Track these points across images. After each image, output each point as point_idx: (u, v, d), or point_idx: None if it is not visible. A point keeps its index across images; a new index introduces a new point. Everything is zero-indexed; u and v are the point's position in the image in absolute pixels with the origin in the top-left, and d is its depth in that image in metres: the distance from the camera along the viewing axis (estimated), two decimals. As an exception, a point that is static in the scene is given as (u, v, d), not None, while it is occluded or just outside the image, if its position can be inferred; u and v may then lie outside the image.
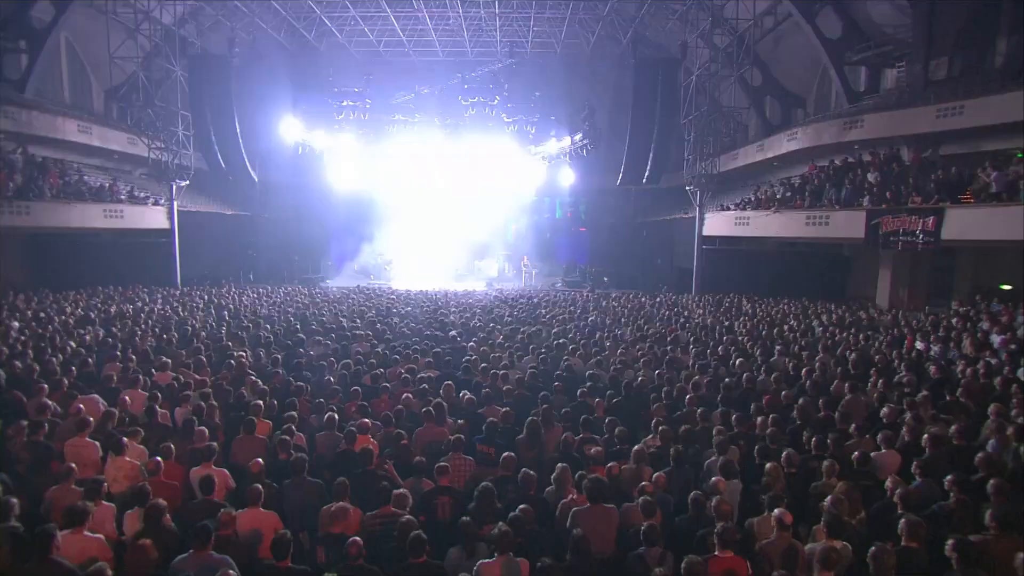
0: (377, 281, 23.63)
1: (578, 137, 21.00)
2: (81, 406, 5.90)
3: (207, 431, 5.46)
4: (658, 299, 17.77)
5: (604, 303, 16.63)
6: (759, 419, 6.34)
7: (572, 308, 15.19)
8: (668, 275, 24.35)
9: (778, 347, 10.22)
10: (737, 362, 9.26)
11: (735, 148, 22.58)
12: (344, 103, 21.36)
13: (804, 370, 8.54)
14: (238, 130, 20.22)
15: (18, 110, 16.68)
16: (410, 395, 7.00)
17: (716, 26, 20.06)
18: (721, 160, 20.73)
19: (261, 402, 6.23)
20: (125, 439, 4.98)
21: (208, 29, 22.67)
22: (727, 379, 8.30)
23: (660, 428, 6.01)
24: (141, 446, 5.23)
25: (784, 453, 5.30)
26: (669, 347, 10.64)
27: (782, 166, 21.44)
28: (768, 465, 5.01)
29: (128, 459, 4.95)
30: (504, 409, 6.52)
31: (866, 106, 17.79)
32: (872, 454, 5.47)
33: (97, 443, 5.22)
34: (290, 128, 21.18)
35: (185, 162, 20.09)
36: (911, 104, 16.01)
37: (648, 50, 22.23)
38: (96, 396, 6.35)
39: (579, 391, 7.54)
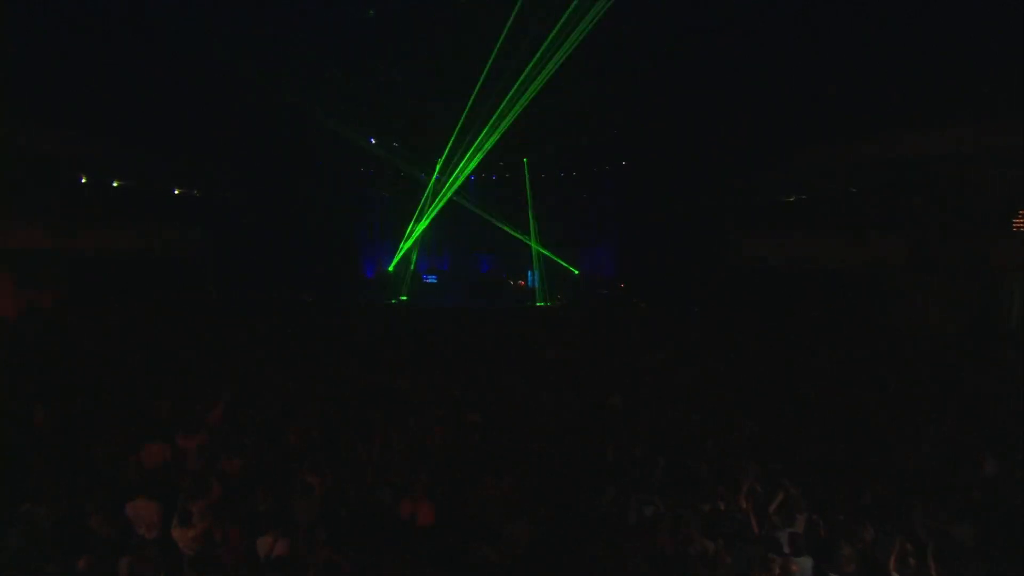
0: None
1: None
2: (143, 457, 5.94)
3: (265, 491, 5.44)
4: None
5: None
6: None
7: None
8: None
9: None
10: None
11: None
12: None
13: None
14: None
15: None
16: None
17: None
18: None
19: (314, 454, 6.22)
20: (193, 509, 4.97)
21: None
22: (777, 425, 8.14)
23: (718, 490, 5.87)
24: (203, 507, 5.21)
25: (854, 529, 5.12)
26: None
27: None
28: (844, 546, 4.84)
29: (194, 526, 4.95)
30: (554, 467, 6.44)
31: None
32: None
33: (157, 504, 5.21)
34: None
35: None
36: None
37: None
38: (159, 445, 6.33)
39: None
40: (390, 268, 27.76)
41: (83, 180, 17.97)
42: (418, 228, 26.42)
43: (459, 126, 22.23)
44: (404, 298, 26.41)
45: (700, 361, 12.00)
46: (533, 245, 27.52)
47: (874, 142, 17.25)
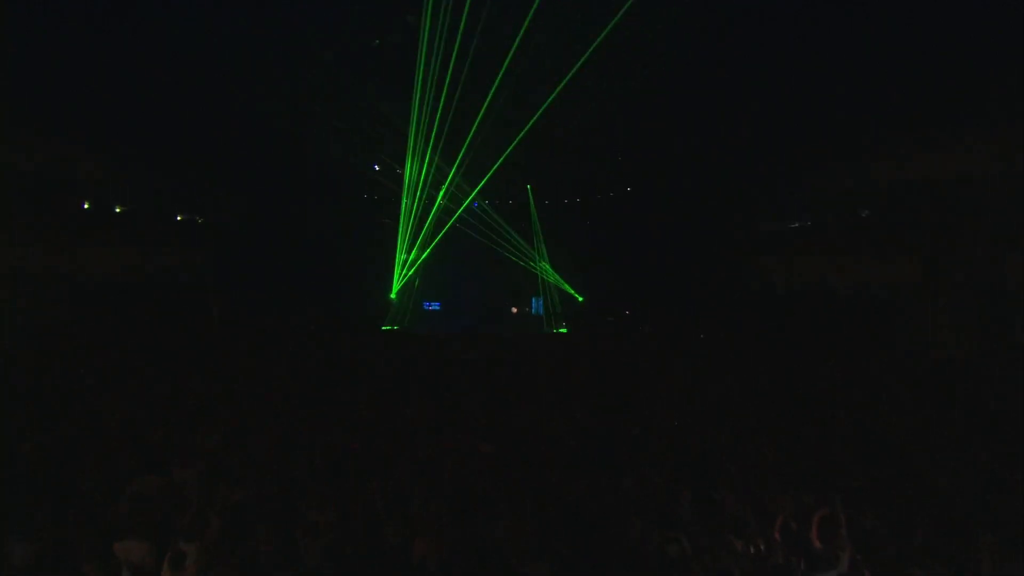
0: None
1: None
2: (135, 490, 5.56)
3: (267, 529, 5.03)
4: None
5: None
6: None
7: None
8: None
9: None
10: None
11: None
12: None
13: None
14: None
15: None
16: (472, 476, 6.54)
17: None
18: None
19: (319, 489, 5.83)
20: (185, 550, 4.56)
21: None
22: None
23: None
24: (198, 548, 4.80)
25: (905, 570, 4.71)
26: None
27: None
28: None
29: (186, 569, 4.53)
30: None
31: None
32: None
33: (149, 544, 4.80)
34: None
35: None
36: None
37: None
38: (151, 477, 5.94)
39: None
40: (392, 295, 27.46)
41: (85, 206, 17.83)
42: (421, 256, 26.25)
43: (462, 152, 22.18)
44: (406, 324, 26.15)
45: (717, 386, 11.62)
46: (541, 270, 27.27)
47: (885, 162, 17.11)
